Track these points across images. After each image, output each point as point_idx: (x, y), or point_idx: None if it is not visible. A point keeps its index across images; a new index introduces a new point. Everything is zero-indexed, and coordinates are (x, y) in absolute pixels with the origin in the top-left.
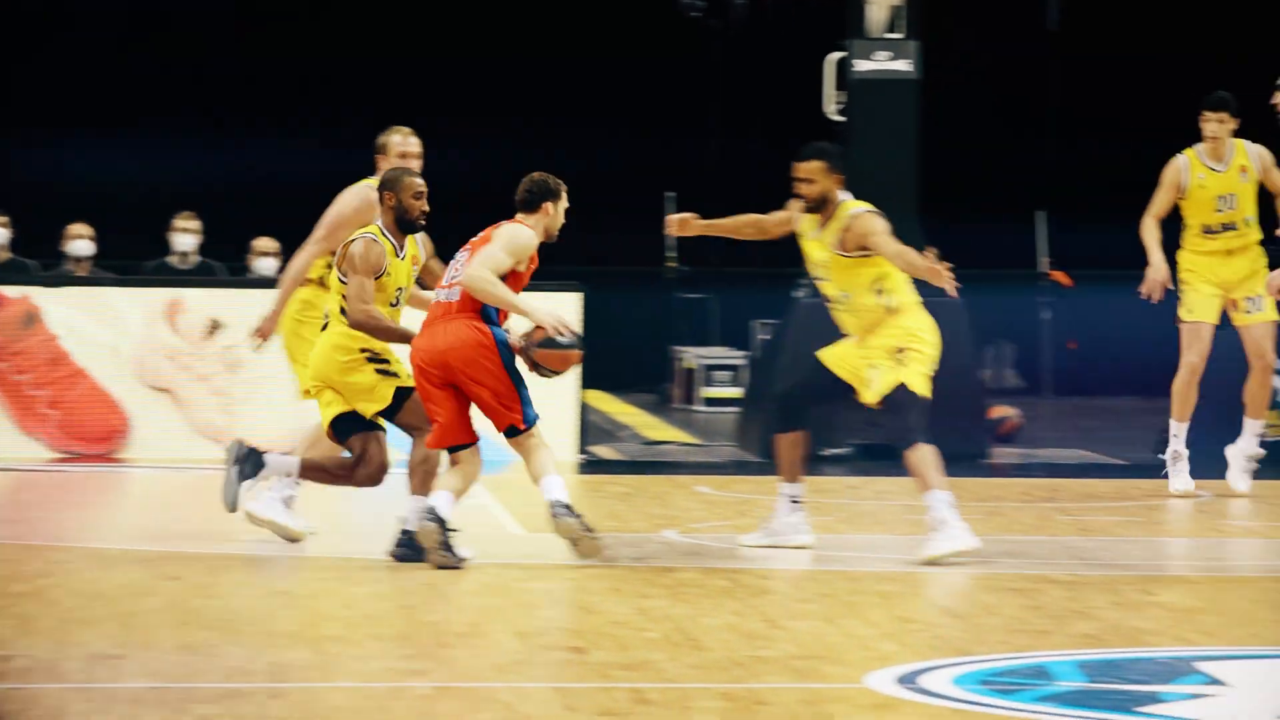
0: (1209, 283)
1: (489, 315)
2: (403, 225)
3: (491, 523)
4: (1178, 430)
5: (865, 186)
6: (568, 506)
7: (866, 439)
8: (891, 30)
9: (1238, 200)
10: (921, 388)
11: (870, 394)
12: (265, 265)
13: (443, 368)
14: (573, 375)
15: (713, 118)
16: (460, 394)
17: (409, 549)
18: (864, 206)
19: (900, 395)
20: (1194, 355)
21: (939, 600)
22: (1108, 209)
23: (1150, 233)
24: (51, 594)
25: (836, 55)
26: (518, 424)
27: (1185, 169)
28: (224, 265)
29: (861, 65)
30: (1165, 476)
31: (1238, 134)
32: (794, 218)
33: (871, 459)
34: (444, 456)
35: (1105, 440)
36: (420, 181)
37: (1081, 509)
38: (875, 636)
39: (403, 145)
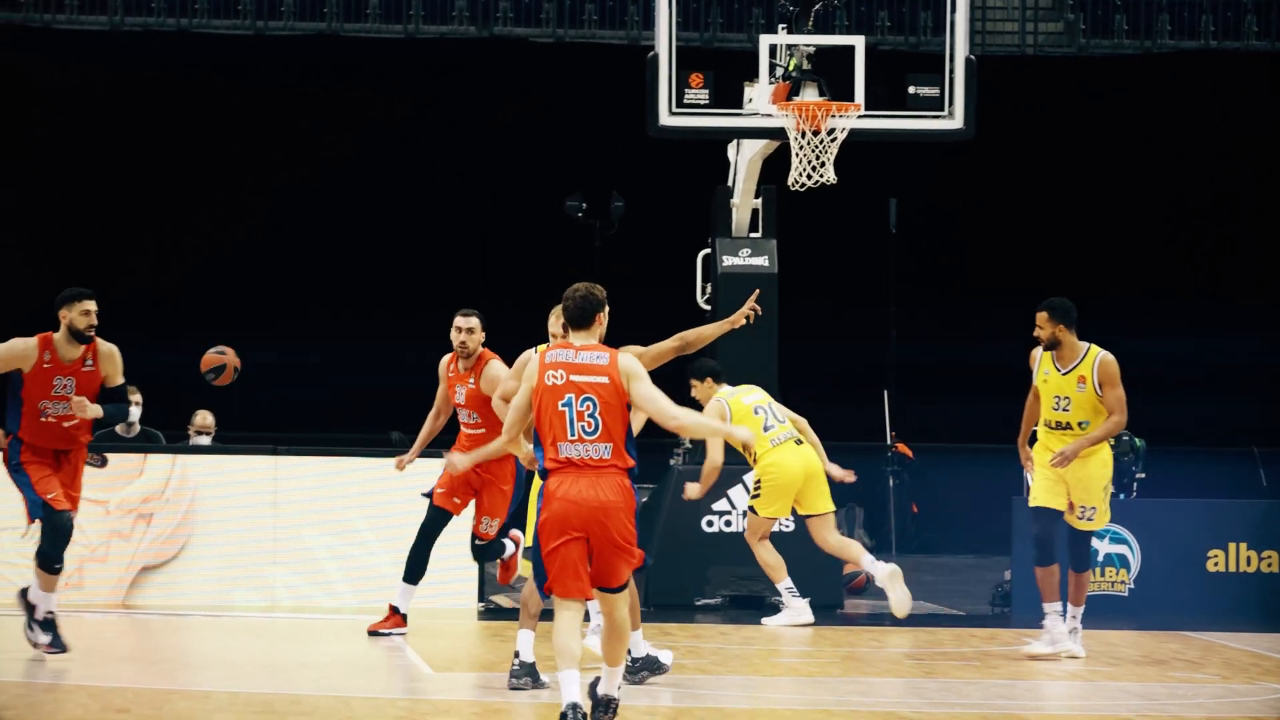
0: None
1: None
2: None
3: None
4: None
5: (733, 369)
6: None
7: (735, 591)
8: (753, 230)
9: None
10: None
11: (1085, 525)
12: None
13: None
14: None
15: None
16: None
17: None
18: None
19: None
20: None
21: None
22: (941, 391)
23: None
24: None
25: (705, 251)
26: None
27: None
28: None
29: (727, 260)
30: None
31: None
32: (1033, 355)
33: (739, 608)
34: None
35: (945, 593)
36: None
37: (925, 655)
38: None
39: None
